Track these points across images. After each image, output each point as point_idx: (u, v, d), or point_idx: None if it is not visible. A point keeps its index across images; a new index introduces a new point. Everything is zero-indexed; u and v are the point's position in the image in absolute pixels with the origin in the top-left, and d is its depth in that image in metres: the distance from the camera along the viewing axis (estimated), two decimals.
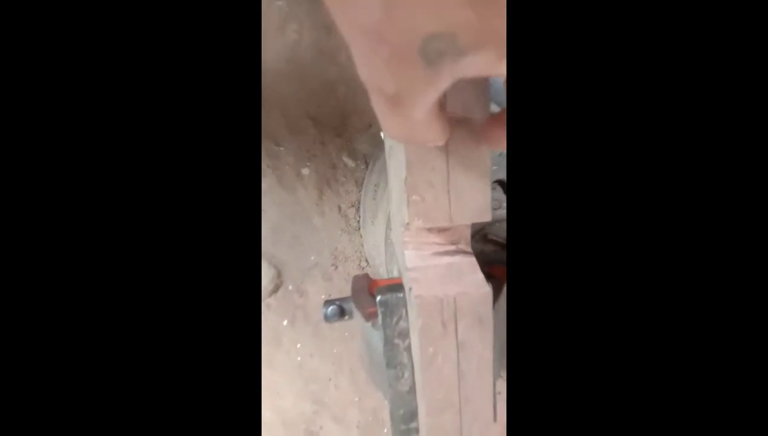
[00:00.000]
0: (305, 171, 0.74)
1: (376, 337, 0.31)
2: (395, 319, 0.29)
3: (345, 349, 0.82)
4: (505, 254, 0.45)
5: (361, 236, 0.78)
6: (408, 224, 0.23)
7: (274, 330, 0.80)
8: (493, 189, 0.47)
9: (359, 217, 0.78)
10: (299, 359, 0.82)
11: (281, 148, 0.73)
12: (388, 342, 0.30)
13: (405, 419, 0.31)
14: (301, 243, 0.77)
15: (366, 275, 0.39)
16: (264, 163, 0.73)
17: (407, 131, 0.17)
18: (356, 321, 0.37)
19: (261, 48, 0.71)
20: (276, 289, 0.79)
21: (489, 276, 0.25)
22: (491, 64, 0.14)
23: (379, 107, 0.16)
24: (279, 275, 0.78)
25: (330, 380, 0.83)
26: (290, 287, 0.80)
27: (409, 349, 0.30)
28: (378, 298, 0.30)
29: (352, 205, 0.78)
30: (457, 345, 0.23)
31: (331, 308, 0.41)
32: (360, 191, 0.76)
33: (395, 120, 0.16)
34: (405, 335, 0.29)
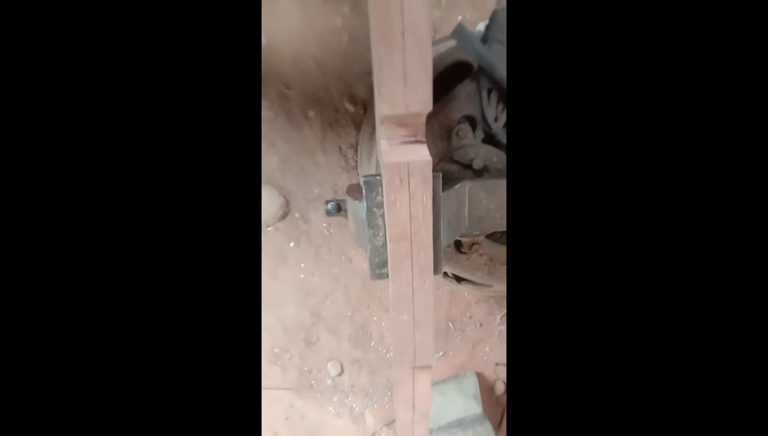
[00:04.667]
0: (311, 113, 0.86)
1: (361, 210, 0.45)
2: (374, 194, 0.42)
3: (342, 270, 0.97)
4: (466, 173, 0.58)
5: (358, 175, 0.90)
6: (381, 116, 0.35)
7: (281, 250, 0.94)
8: (462, 122, 0.59)
9: (357, 157, 0.90)
10: (302, 276, 0.96)
11: (291, 91, 0.84)
12: (369, 210, 0.43)
13: (379, 265, 0.45)
14: (305, 176, 0.90)
15: (357, 184, 0.52)
16: (277, 104, 0.84)
17: None
18: (349, 218, 0.50)
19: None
20: (284, 215, 0.92)
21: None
22: None
23: None
24: (287, 203, 0.92)
25: (327, 296, 0.98)
26: (296, 215, 0.93)
27: (383, 216, 0.43)
28: (362, 180, 0.43)
29: (351, 147, 0.90)
30: (409, 195, 0.37)
31: (331, 204, 0.54)
32: (358, 134, 0.88)
33: None
34: (380, 205, 0.43)
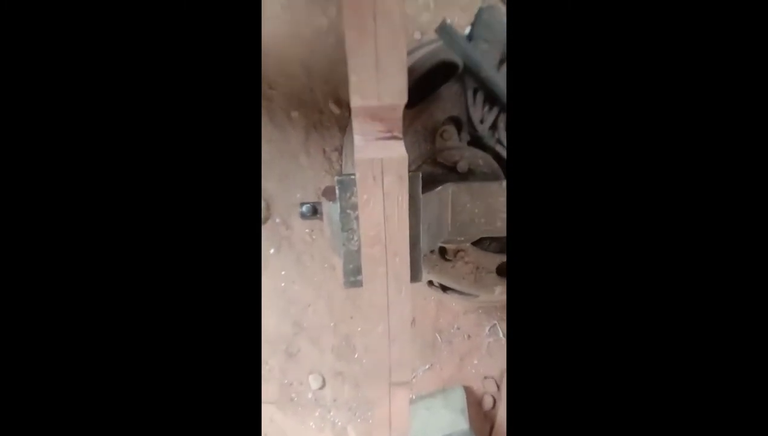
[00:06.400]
0: (295, 114, 0.83)
1: (336, 212, 0.42)
2: (348, 194, 0.39)
3: (324, 278, 0.93)
4: (451, 176, 0.55)
5: None
6: (353, 108, 0.32)
7: (262, 257, 0.90)
8: (447, 124, 0.57)
9: (342, 160, 0.87)
10: (283, 284, 0.92)
11: (274, 92, 0.81)
12: (342, 211, 0.40)
13: (353, 272, 0.41)
14: (288, 179, 0.87)
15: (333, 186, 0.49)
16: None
17: None
18: (324, 221, 0.47)
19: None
20: (265, 220, 0.88)
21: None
22: None
23: None
24: (268, 208, 0.88)
25: (309, 305, 0.94)
26: (277, 220, 0.90)
27: (357, 218, 0.40)
28: (336, 179, 0.40)
29: (336, 149, 0.87)
30: (383, 194, 0.34)
31: (306, 206, 0.51)
32: (343, 136, 0.85)
33: None
34: (354, 207, 0.39)
